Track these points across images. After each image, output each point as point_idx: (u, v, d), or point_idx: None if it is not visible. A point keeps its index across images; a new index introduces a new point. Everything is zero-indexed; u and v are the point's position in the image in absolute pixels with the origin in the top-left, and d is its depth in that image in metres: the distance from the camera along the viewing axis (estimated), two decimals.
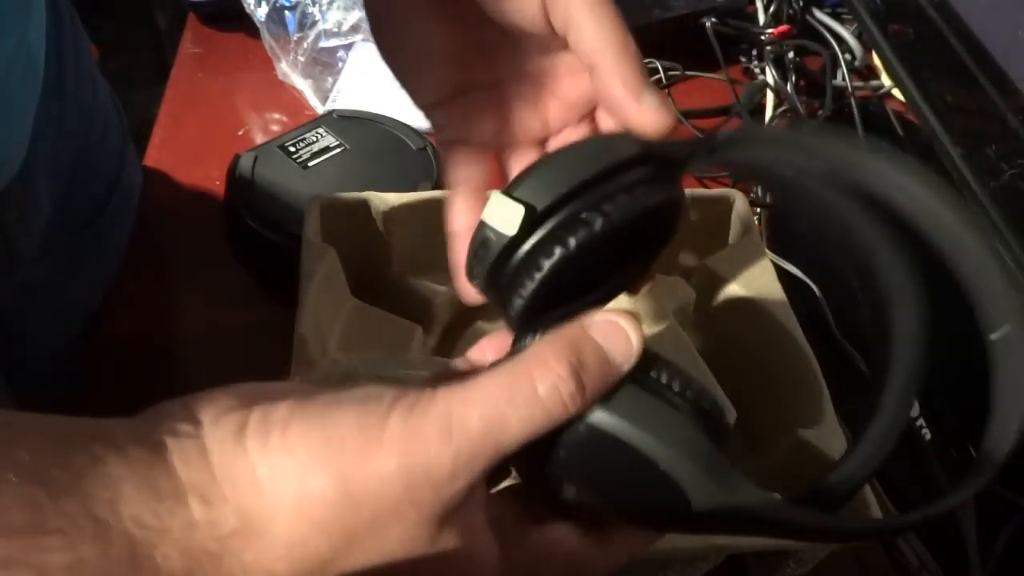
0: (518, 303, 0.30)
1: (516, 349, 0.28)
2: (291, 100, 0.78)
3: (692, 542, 0.42)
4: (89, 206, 0.63)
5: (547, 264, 0.29)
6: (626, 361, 0.27)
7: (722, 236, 0.58)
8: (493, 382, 0.26)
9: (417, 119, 0.73)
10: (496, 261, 0.29)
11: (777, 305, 0.52)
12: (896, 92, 0.77)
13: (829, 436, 0.48)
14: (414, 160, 0.65)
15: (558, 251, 0.29)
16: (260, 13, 0.75)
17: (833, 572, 0.49)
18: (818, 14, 0.83)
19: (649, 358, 0.27)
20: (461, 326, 0.56)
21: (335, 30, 0.77)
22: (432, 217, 0.49)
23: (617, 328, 0.27)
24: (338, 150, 0.65)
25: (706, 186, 0.71)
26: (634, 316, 0.28)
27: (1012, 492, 0.48)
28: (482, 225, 0.30)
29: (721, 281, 0.54)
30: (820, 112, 0.73)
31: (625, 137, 0.31)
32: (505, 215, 0.29)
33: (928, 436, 0.54)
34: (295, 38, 0.76)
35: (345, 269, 0.52)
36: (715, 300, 0.54)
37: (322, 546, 0.24)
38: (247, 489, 0.24)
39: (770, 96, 0.79)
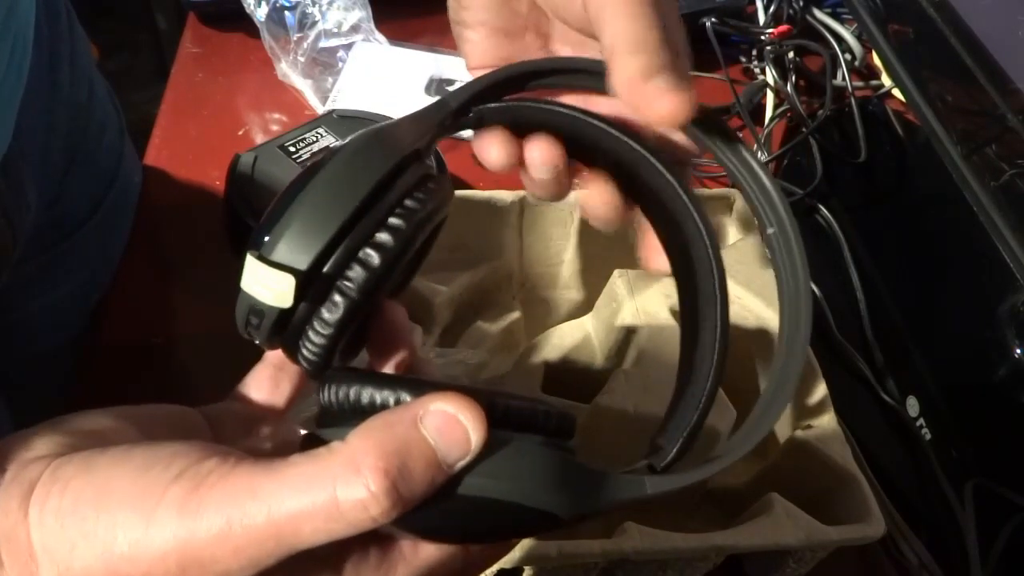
0: (312, 359, 0.28)
1: (322, 411, 0.27)
2: (291, 100, 0.78)
3: (692, 542, 0.42)
4: (83, 205, 0.62)
5: (334, 319, 0.27)
6: (460, 460, 0.24)
7: (722, 235, 0.58)
8: (292, 478, 0.23)
9: None
10: (274, 329, 0.28)
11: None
12: (896, 92, 0.77)
13: (829, 436, 0.48)
14: None
15: (343, 304, 0.27)
16: (260, 13, 0.75)
17: (833, 572, 0.49)
18: (818, 14, 0.84)
19: (490, 407, 0.25)
20: (461, 326, 0.56)
21: (335, 30, 0.77)
22: None
23: (455, 425, 0.23)
24: None
25: (706, 186, 0.71)
26: (475, 403, 0.24)
27: (1012, 492, 0.48)
28: (245, 295, 0.27)
29: None
30: (820, 112, 0.73)
31: (370, 146, 0.28)
32: (271, 286, 0.26)
33: (928, 436, 0.54)
34: (295, 38, 0.76)
35: None
36: None
37: None
38: (24, 557, 0.24)
39: (770, 96, 0.79)
